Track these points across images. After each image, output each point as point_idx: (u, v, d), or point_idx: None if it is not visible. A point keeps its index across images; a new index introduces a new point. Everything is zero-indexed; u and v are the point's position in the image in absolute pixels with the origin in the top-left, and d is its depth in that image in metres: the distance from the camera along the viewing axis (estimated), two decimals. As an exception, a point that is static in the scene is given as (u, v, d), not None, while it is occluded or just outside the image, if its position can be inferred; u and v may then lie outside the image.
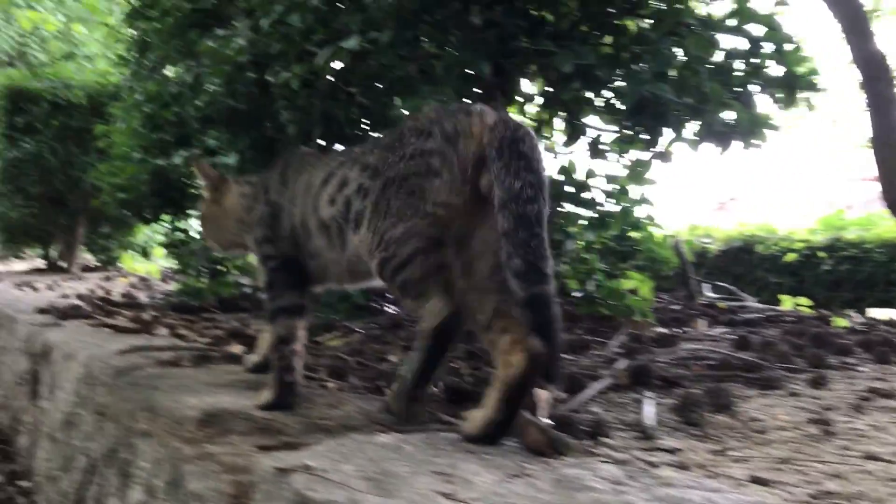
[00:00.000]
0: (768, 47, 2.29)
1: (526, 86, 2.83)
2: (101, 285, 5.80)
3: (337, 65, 2.52)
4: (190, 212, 4.18)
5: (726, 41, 2.33)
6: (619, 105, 2.39)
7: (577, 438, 1.35)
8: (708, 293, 4.31)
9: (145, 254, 8.33)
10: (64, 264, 7.93)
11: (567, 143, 2.69)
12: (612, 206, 3.08)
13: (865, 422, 1.56)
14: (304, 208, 1.64)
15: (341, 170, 1.58)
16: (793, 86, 2.30)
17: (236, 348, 2.36)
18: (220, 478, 1.23)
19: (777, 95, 2.36)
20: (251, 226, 1.79)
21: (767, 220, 7.43)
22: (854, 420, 1.58)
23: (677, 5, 2.26)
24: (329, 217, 1.56)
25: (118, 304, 4.18)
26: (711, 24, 2.30)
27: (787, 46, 2.28)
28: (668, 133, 2.47)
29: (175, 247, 4.71)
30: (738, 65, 2.33)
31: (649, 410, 1.55)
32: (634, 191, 3.02)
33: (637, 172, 2.88)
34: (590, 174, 3.13)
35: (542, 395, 1.43)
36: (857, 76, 3.59)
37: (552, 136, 2.79)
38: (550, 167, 3.15)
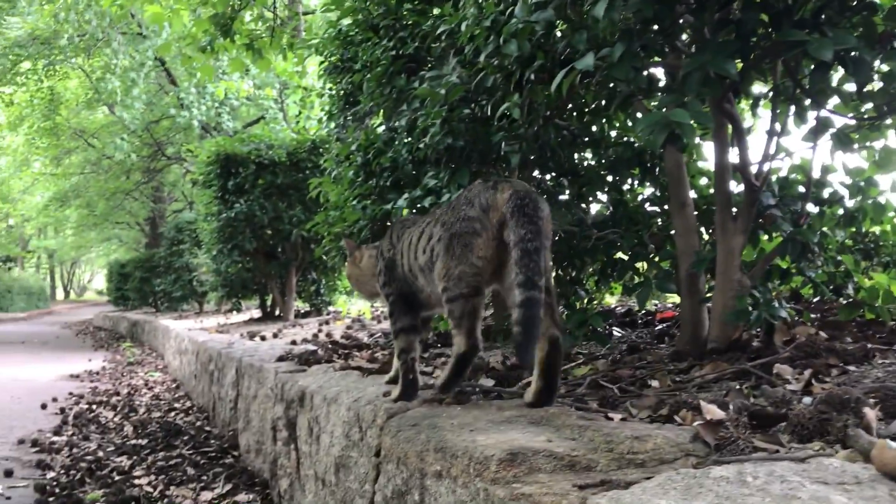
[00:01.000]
0: None
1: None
2: (321, 329, 6.08)
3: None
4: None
5: None
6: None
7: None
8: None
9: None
10: (280, 313, 8.41)
11: (809, 138, 2.51)
12: (852, 202, 2.86)
13: None
14: (409, 258, 2.24)
15: (428, 228, 2.17)
16: None
17: (488, 383, 2.35)
18: (541, 519, 1.20)
19: None
20: (377, 277, 2.42)
21: None
22: None
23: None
24: (424, 262, 2.15)
25: (347, 346, 4.35)
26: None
27: None
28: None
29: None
30: None
31: None
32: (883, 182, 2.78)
33: (888, 161, 2.64)
34: (828, 170, 2.91)
35: (871, 414, 1.30)
36: None
37: (787, 131, 2.60)
38: (784, 168, 2.97)
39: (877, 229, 3.31)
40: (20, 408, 6.07)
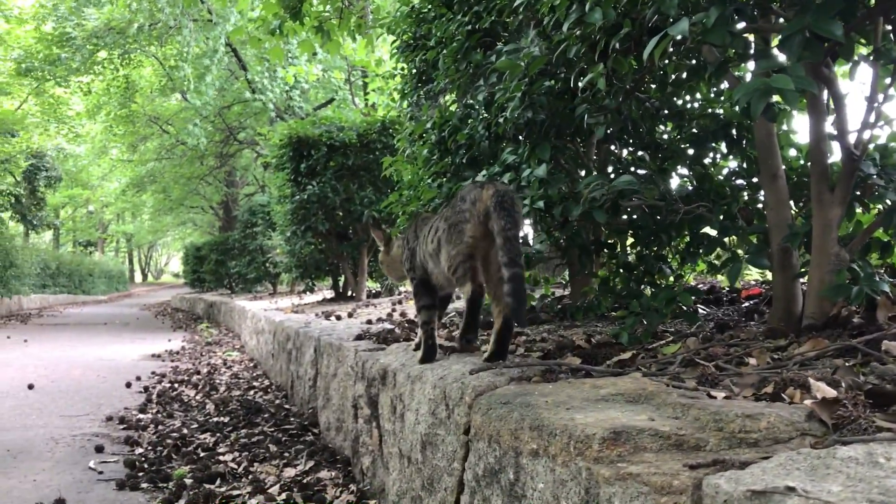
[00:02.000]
0: None
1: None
2: (394, 309, 6.11)
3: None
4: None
5: None
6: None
7: None
8: None
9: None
10: (352, 293, 8.49)
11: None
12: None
13: None
14: (424, 248, 2.68)
15: (436, 222, 2.61)
16: None
17: (575, 360, 2.30)
18: (651, 499, 1.15)
19: None
20: (403, 263, 2.90)
21: None
22: None
23: None
24: (433, 250, 2.59)
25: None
26: None
27: None
28: None
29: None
30: None
31: None
32: None
33: None
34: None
35: None
36: None
37: (890, 97, 2.46)
38: (883, 136, 2.82)
39: None
40: (106, 386, 6.27)
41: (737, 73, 2.93)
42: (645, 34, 2.31)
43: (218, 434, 4.27)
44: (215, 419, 4.72)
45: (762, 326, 2.71)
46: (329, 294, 9.91)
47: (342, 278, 8.77)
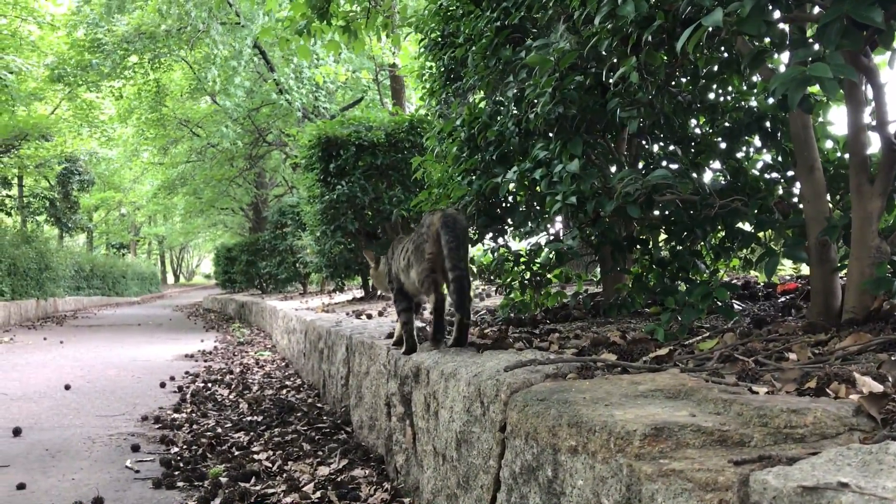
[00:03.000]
0: None
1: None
2: (425, 306, 6.10)
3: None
4: (510, 229, 4.24)
5: None
6: None
7: None
8: None
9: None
10: (381, 292, 8.49)
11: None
12: None
13: None
14: (397, 265, 3.20)
15: (406, 244, 3.13)
16: None
17: (611, 357, 2.28)
18: (695, 496, 1.13)
19: None
20: (386, 276, 3.43)
21: None
22: None
23: None
24: (404, 266, 3.11)
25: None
26: None
27: None
28: None
29: (474, 269, 4.84)
30: None
31: None
32: None
33: None
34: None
35: None
36: None
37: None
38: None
39: None
40: (141, 386, 6.34)
41: (770, 65, 2.89)
42: (678, 26, 2.29)
43: (252, 433, 4.29)
44: (249, 418, 4.75)
45: (800, 321, 2.66)
46: (359, 293, 9.94)
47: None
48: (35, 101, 22.67)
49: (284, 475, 3.42)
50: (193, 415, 4.94)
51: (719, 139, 3.48)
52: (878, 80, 2.38)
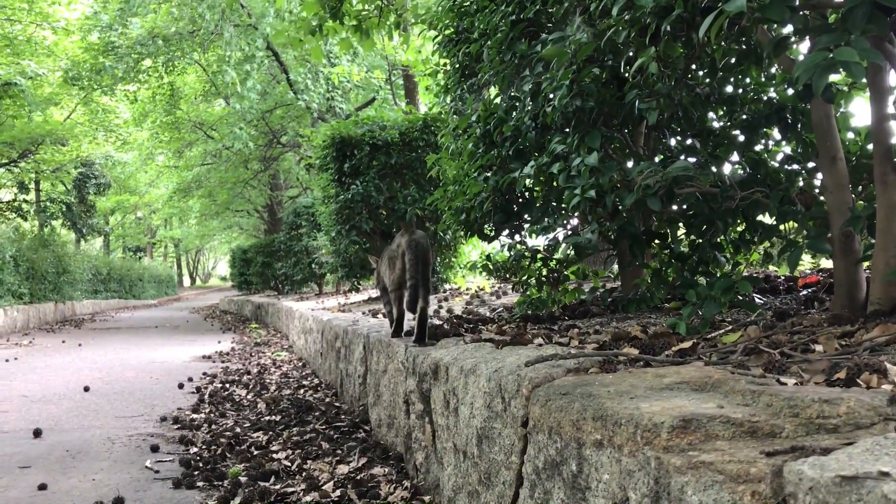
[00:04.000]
0: None
1: None
2: (441, 305, 6.09)
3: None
4: (527, 225, 4.21)
5: None
6: None
7: None
8: None
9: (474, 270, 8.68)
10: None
11: None
12: None
13: None
14: (383, 269, 3.88)
15: (389, 254, 3.79)
16: None
17: (633, 351, 2.25)
18: (726, 488, 1.11)
19: None
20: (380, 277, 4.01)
21: None
22: None
23: None
24: (384, 270, 3.83)
25: (471, 320, 4.32)
26: None
27: None
28: None
29: (490, 266, 4.81)
30: None
31: None
32: None
33: None
34: None
35: None
36: None
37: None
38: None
39: None
40: (159, 387, 6.36)
41: (790, 56, 2.85)
42: (697, 15, 2.26)
43: (270, 432, 4.29)
44: (267, 418, 4.75)
45: (824, 314, 2.62)
46: (374, 293, 9.93)
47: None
48: (51, 105, 22.84)
49: (304, 474, 3.41)
50: (212, 415, 4.94)
51: (737, 132, 3.44)
52: (903, 67, 2.34)
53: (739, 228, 3.24)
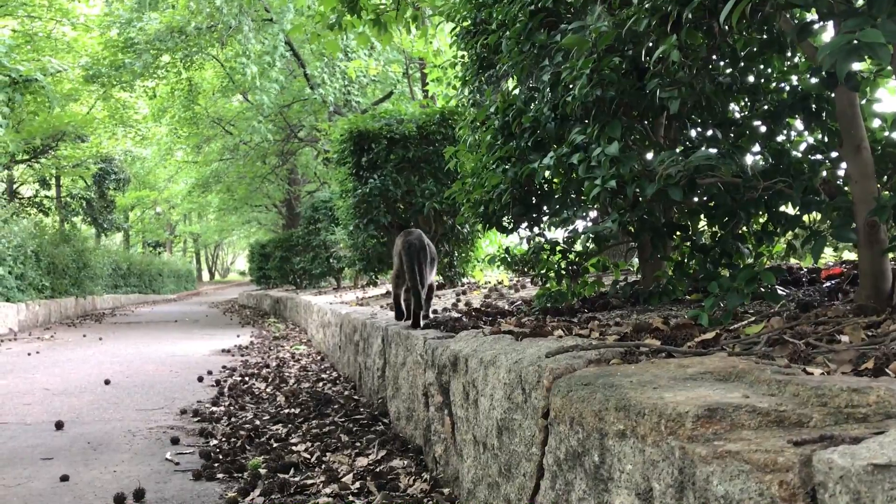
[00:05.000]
0: None
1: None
2: (459, 299, 6.08)
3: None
4: (546, 217, 4.19)
5: None
6: None
7: None
8: None
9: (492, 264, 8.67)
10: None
11: None
12: None
13: None
14: (392, 258, 4.22)
15: (395, 250, 4.08)
16: None
17: (654, 342, 2.23)
18: (753, 477, 1.09)
19: None
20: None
21: None
22: None
23: None
24: (397, 256, 4.09)
25: (490, 312, 4.31)
26: None
27: None
28: None
29: (508, 259, 4.80)
30: None
31: None
32: None
33: None
34: None
35: None
36: None
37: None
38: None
39: None
40: (179, 381, 6.39)
41: (814, 44, 2.81)
42: (720, 2, 2.23)
43: (289, 425, 4.30)
44: (286, 411, 4.76)
45: (849, 305, 2.59)
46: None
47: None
48: (70, 101, 23.00)
49: (323, 466, 3.42)
50: (231, 408, 4.96)
51: (759, 122, 3.40)
52: (930, 53, 2.29)
53: (762, 219, 3.20)
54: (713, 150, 3.27)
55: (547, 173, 3.41)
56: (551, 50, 3.28)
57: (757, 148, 3.41)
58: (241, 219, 36.82)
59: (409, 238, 3.87)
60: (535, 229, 4.20)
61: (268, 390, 5.66)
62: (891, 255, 2.58)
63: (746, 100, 3.47)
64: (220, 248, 67.96)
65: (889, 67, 2.68)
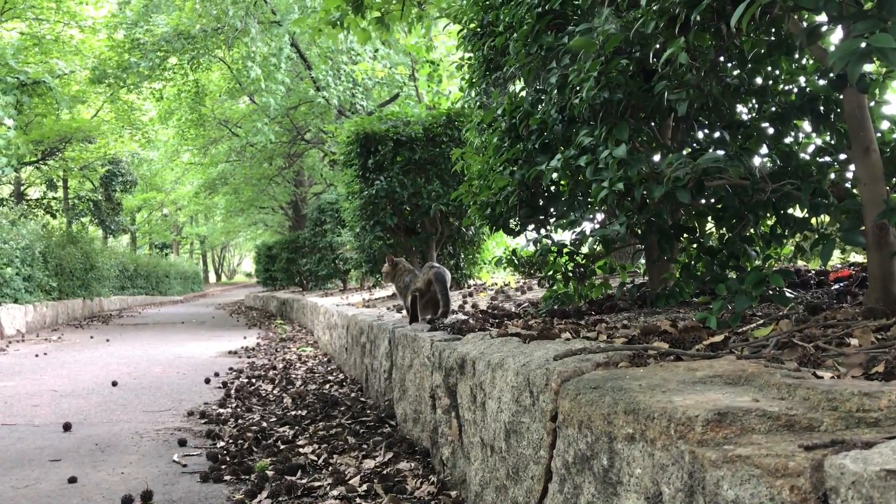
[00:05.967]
0: None
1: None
2: (466, 300, 6.08)
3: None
4: (553, 220, 4.18)
5: None
6: None
7: None
8: None
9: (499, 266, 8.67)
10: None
11: None
12: None
13: None
14: (402, 283, 4.69)
15: (407, 276, 4.67)
16: None
17: (663, 345, 2.22)
18: (764, 482, 1.08)
19: None
20: (400, 288, 4.75)
21: None
22: None
23: None
24: (402, 286, 4.69)
25: (497, 315, 4.30)
26: None
27: None
28: None
29: (514, 261, 4.81)
30: None
31: None
32: None
33: None
34: None
35: None
36: None
37: None
38: None
39: None
40: (186, 382, 6.41)
41: (822, 46, 2.80)
42: (728, 4, 2.22)
43: (296, 427, 4.30)
44: (293, 412, 4.76)
45: (858, 308, 2.58)
46: (399, 289, 9.93)
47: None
48: (78, 104, 23.07)
49: (330, 468, 3.42)
50: (238, 410, 4.97)
51: (767, 124, 3.39)
52: (940, 55, 2.28)
53: (770, 222, 3.19)
54: (721, 153, 3.27)
55: (554, 175, 3.40)
56: (558, 52, 3.27)
57: (765, 150, 3.40)
58: (248, 220, 36.87)
59: (439, 270, 4.37)
60: (542, 231, 4.19)
61: (274, 392, 5.66)
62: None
63: (754, 101, 3.46)
64: (227, 250, 68.07)
65: (898, 69, 2.67)
